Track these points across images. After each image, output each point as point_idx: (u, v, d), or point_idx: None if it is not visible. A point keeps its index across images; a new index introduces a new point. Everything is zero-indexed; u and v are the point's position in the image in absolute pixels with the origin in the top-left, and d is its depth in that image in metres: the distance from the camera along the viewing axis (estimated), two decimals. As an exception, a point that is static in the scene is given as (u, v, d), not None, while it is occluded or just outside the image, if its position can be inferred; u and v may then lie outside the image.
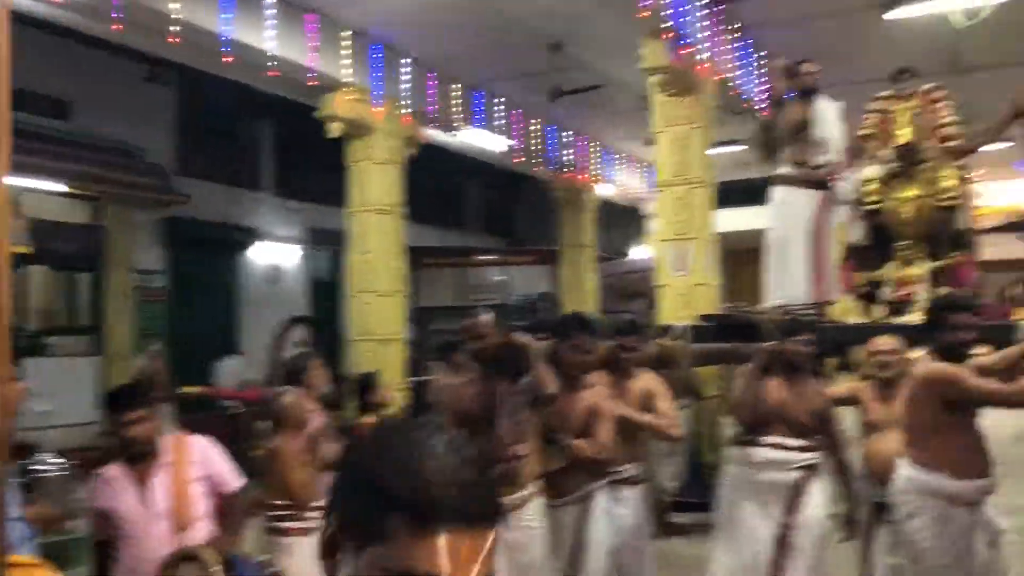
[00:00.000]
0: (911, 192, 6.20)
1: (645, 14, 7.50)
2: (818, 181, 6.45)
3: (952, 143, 6.17)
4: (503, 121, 11.95)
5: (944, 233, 6.32)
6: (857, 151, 6.51)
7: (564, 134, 13.63)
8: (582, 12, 8.67)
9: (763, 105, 10.37)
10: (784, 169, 6.52)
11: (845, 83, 8.03)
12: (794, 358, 4.66)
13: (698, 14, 8.52)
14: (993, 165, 14.43)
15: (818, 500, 4.58)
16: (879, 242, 6.52)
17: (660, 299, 8.72)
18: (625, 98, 12.06)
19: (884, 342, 4.93)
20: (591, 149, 14.54)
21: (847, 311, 6.64)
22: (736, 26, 9.45)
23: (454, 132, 11.46)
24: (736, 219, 15.55)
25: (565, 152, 13.68)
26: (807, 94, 6.63)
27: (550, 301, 17.45)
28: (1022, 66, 9.67)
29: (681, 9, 8.13)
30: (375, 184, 9.87)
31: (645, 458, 5.05)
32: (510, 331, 3.65)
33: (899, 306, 6.19)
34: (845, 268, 6.69)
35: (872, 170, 6.26)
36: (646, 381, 4.95)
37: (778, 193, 6.48)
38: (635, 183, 16.57)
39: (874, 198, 6.24)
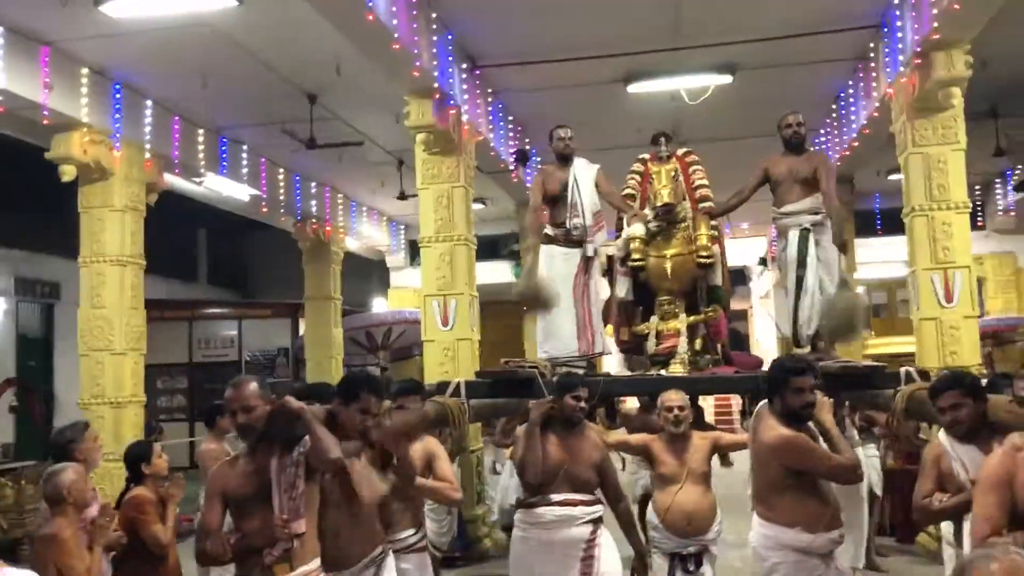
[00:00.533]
0: (671, 250, 6.46)
1: (415, 73, 7.58)
2: (575, 241, 6.60)
3: (706, 204, 6.52)
4: (246, 170, 11.50)
5: (701, 288, 6.63)
6: (617, 208, 6.76)
7: (310, 185, 13.37)
8: (339, 65, 8.62)
9: (512, 167, 10.86)
10: (547, 230, 6.69)
11: (592, 148, 8.62)
12: (570, 413, 4.73)
13: (461, 77, 8.77)
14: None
15: (611, 552, 4.69)
16: (643, 297, 6.75)
17: (425, 353, 8.75)
18: (374, 153, 12.11)
19: (675, 398, 5.06)
20: (338, 201, 14.37)
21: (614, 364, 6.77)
22: (490, 91, 9.83)
23: (199, 179, 10.86)
24: (485, 272, 16.12)
25: (311, 203, 13.41)
26: (564, 159, 6.73)
27: (287, 357, 16.89)
28: (732, 140, 10.94)
29: (448, 71, 8.33)
30: (112, 232, 9.08)
31: (423, 522, 4.91)
32: (279, 396, 3.36)
33: (663, 358, 6.41)
34: (615, 323, 6.86)
35: (635, 229, 6.46)
36: (427, 444, 4.88)
37: (543, 252, 6.58)
38: (379, 236, 16.57)
39: (638, 256, 6.40)
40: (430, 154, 8.62)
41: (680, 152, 6.84)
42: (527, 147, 11.26)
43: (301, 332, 16.16)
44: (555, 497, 4.63)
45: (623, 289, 6.74)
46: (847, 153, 10.67)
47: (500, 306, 11.61)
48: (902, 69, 7.99)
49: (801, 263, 6.27)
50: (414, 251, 18.10)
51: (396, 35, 6.97)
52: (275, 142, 11.18)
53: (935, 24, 7.06)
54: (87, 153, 8.74)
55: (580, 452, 4.70)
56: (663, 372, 6.31)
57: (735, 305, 10.05)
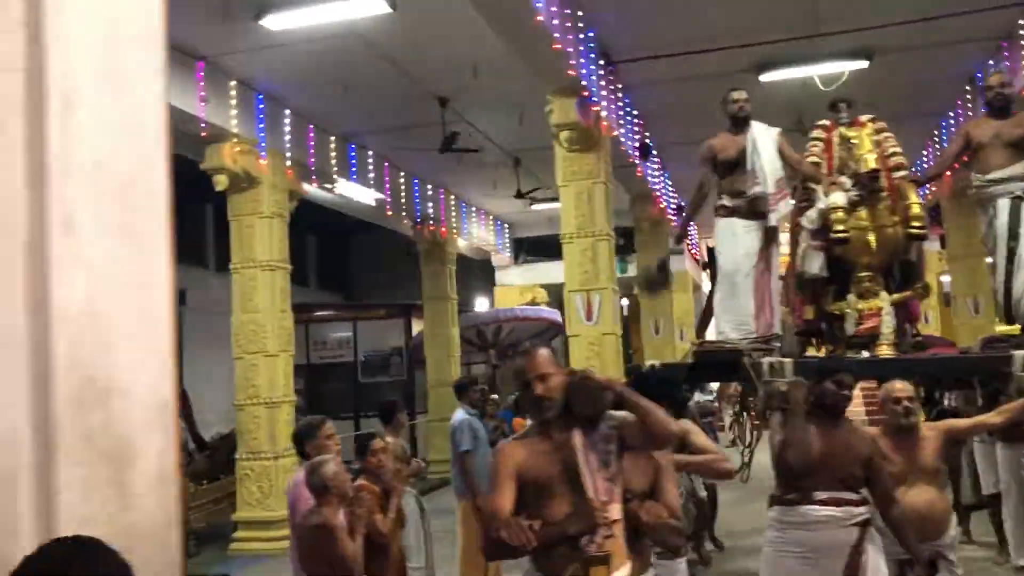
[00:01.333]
0: (876, 221, 5.98)
1: (570, 72, 7.69)
2: (757, 212, 6.05)
3: (900, 172, 6.07)
4: (372, 174, 11.77)
5: (897, 264, 6.19)
6: (807, 177, 6.25)
7: (427, 187, 13.61)
8: (475, 67, 8.78)
9: (637, 162, 10.88)
10: (723, 200, 6.18)
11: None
12: (834, 401, 4.18)
13: (599, 73, 8.84)
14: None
15: (879, 560, 4.12)
16: (836, 274, 6.20)
17: (571, 349, 8.84)
18: (490, 153, 12.27)
19: (903, 388, 4.44)
20: (451, 202, 14.59)
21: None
22: (620, 85, 9.88)
23: (331, 185, 11.16)
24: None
25: (428, 205, 13.65)
26: (738, 123, 6.25)
27: (401, 356, 17.18)
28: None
29: (590, 69, 8.41)
30: (261, 239, 9.41)
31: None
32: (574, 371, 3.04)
33: (862, 340, 5.92)
34: (797, 301, 6.40)
35: (836, 198, 5.94)
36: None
37: (720, 225, 6.15)
38: (486, 236, 16.76)
39: (840, 227, 5.85)
40: (571, 151, 8.71)
41: (865, 118, 6.43)
42: (648, 141, 11.29)
43: (414, 332, 16.42)
44: (819, 495, 4.10)
45: (815, 264, 6.22)
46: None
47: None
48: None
49: (1014, 235, 5.83)
50: (519, 249, 18.31)
51: (556, 35, 7.07)
52: (398, 145, 11.43)
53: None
54: (236, 163, 9.07)
55: (846, 445, 4.14)
56: (865, 354, 5.90)
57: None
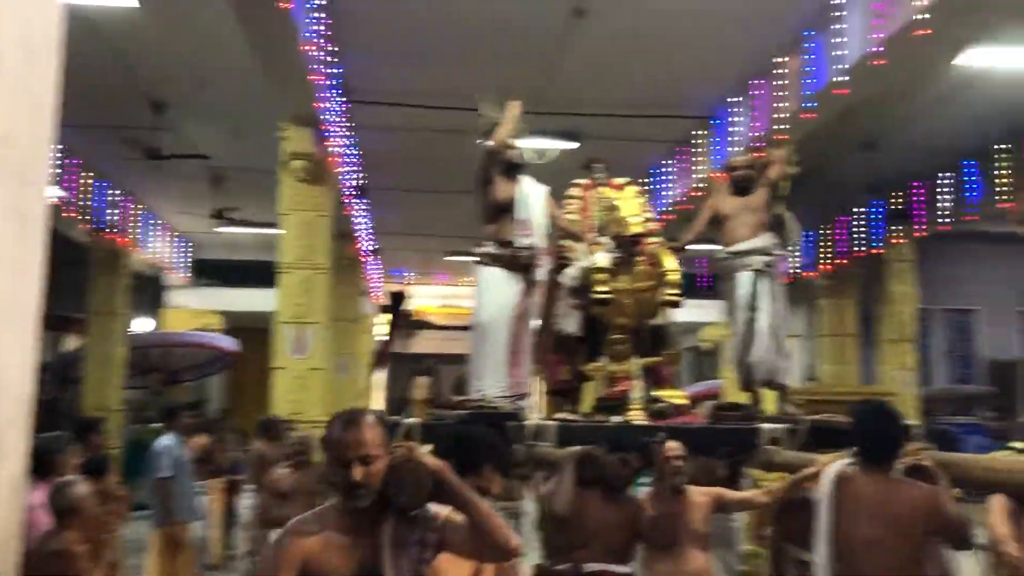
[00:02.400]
0: (635, 284, 5.94)
1: (316, 104, 7.66)
2: (523, 264, 5.78)
3: (659, 238, 6.14)
4: (57, 171, 10.68)
5: (647, 329, 6.15)
6: (568, 235, 6.22)
7: (115, 193, 12.57)
8: (197, 80, 8.44)
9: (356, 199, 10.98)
10: (487, 247, 5.83)
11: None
12: (617, 476, 4.23)
13: (337, 110, 8.89)
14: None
15: None
16: (588, 335, 6.18)
17: (276, 383, 8.62)
18: (187, 166, 11.68)
19: (675, 447, 4.40)
20: (137, 212, 13.58)
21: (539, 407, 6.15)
22: (352, 124, 9.99)
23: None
24: (243, 300, 15.74)
25: (112, 211, 12.59)
26: (512, 170, 5.88)
27: (52, 374, 15.53)
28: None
29: (330, 102, 8.43)
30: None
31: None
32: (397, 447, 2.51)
33: (614, 403, 5.83)
34: (553, 360, 6.33)
35: (600, 258, 5.86)
36: None
37: (483, 273, 5.83)
38: (166, 254, 15.75)
39: (603, 288, 5.77)
40: (300, 180, 8.62)
41: (621, 181, 6.52)
42: (365, 182, 11.46)
43: (67, 347, 14.90)
44: (590, 567, 4.11)
45: (573, 323, 6.21)
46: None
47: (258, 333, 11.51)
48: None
49: (751, 306, 6.09)
50: (200, 271, 17.36)
51: (312, 66, 7.05)
52: (95, 143, 10.51)
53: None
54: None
55: (621, 517, 4.22)
56: (616, 419, 5.73)
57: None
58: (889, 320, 13.60)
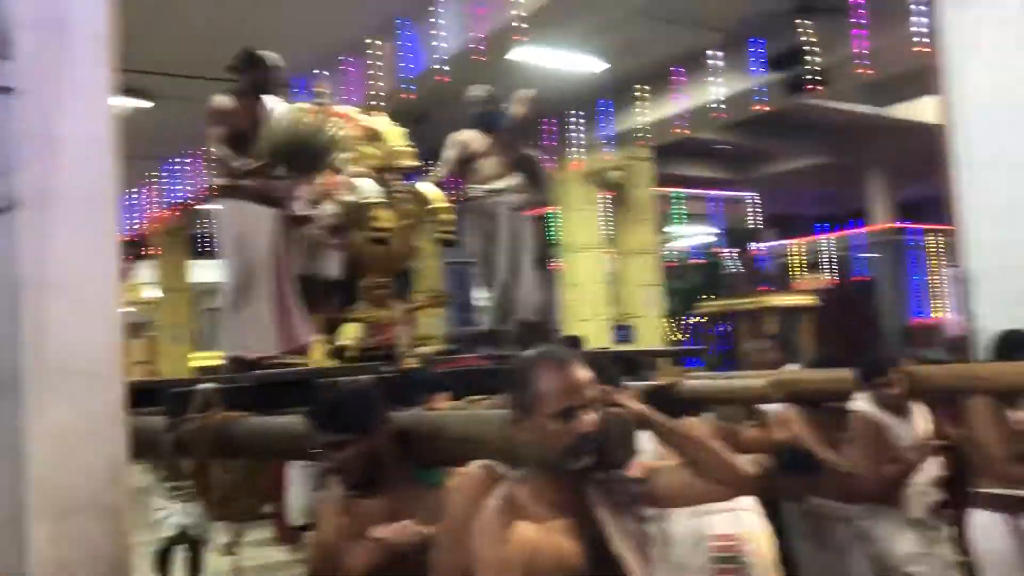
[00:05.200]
0: (401, 222, 5.03)
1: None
2: (276, 197, 4.62)
3: (413, 170, 5.35)
4: None
5: (407, 271, 5.52)
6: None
7: None
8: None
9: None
10: (224, 180, 4.59)
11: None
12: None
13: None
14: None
15: None
16: (347, 278, 5.16)
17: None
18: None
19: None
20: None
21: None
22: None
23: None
24: None
25: None
26: (259, 89, 4.73)
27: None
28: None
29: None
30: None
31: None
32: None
33: (382, 351, 4.82)
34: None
35: (372, 188, 4.93)
36: None
37: (225, 213, 4.62)
38: None
39: (382, 224, 4.86)
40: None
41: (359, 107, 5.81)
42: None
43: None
44: None
45: (333, 267, 5.12)
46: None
47: None
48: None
49: (516, 246, 5.65)
50: None
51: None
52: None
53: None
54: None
55: None
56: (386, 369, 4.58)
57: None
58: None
